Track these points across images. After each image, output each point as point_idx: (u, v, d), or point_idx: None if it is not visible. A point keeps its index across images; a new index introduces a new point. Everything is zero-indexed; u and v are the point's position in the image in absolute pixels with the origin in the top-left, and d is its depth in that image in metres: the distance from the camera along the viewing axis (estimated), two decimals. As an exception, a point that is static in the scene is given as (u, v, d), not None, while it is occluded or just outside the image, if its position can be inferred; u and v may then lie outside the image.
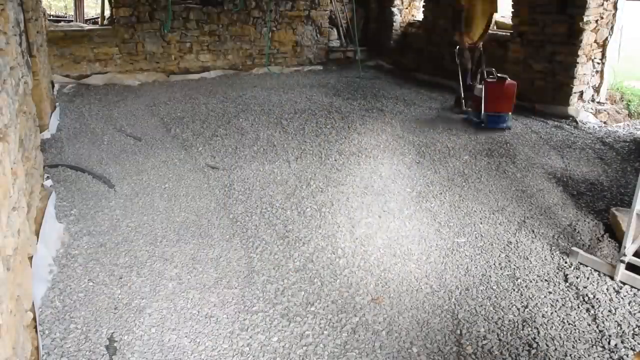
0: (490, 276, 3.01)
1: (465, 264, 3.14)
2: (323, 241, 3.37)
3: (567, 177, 4.54)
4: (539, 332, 2.53)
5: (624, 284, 2.92)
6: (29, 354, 2.14)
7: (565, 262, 3.17)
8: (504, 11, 8.22)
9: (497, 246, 3.36)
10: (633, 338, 2.49)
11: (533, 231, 3.56)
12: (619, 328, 2.56)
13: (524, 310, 2.70)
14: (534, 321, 2.61)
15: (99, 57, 8.18)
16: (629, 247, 2.94)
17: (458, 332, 2.53)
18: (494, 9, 6.42)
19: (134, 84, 8.03)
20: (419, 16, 9.62)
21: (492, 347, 2.43)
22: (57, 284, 2.78)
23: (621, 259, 2.93)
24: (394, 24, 9.83)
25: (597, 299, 2.79)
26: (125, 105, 6.67)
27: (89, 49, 8.08)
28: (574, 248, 3.22)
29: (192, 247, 3.24)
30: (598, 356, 2.38)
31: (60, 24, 10.23)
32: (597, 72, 6.38)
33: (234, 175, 4.45)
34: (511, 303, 2.76)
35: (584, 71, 6.25)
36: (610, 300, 2.79)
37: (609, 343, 2.45)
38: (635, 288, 2.88)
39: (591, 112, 6.34)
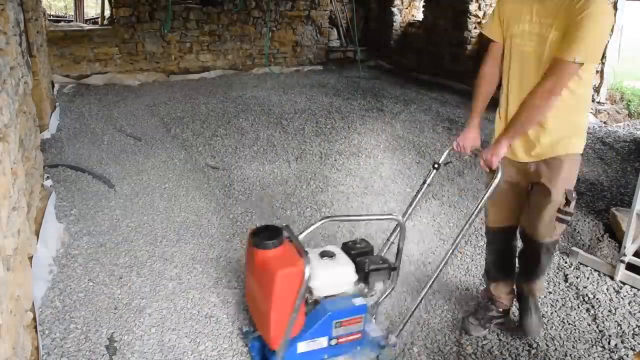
0: (490, 276, 3.01)
1: (465, 264, 3.14)
2: (323, 241, 3.37)
3: (567, 177, 4.53)
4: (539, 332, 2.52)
5: (624, 284, 2.92)
6: (29, 354, 2.14)
7: (565, 262, 3.17)
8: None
9: (497, 246, 3.36)
10: (633, 338, 2.49)
11: (533, 231, 3.56)
12: (619, 328, 2.56)
13: (524, 310, 2.69)
14: (534, 321, 2.61)
15: (99, 57, 8.19)
16: (629, 247, 2.94)
17: (458, 332, 2.53)
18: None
19: (134, 84, 8.04)
20: (419, 16, 9.62)
21: (492, 347, 2.43)
22: (57, 284, 2.78)
23: (621, 259, 2.93)
24: (394, 24, 9.83)
25: (597, 299, 2.79)
26: (125, 105, 6.67)
27: (89, 49, 8.09)
28: (574, 248, 3.22)
29: (192, 247, 3.24)
30: (598, 356, 2.38)
31: (60, 24, 10.24)
32: (596, 72, 6.38)
33: (234, 175, 4.45)
34: (511, 303, 2.76)
35: (584, 71, 6.24)
36: (610, 300, 2.79)
37: (609, 343, 2.45)
38: (635, 288, 2.88)
39: (591, 112, 6.34)
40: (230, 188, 4.18)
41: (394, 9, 9.76)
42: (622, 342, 2.46)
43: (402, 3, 9.82)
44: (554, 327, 2.56)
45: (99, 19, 10.62)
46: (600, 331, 2.54)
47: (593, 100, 6.48)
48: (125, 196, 3.96)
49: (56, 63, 7.81)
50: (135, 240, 3.30)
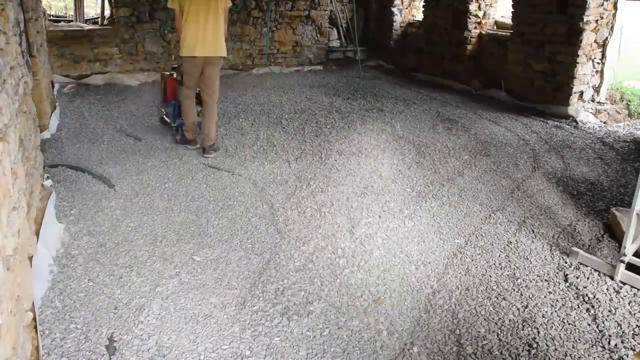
0: (490, 276, 3.01)
1: (465, 264, 3.14)
2: (323, 241, 3.37)
3: (567, 177, 4.54)
4: (539, 332, 2.53)
5: (624, 284, 2.92)
6: (29, 354, 2.14)
7: (565, 262, 3.17)
8: (504, 11, 8.24)
9: (497, 246, 3.36)
10: (633, 338, 2.49)
11: (533, 231, 3.56)
12: (619, 328, 2.56)
13: (524, 310, 2.70)
14: (534, 321, 2.61)
15: (99, 57, 8.18)
16: (629, 247, 2.94)
17: (458, 332, 2.53)
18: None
19: (134, 84, 8.04)
20: (419, 16, 9.62)
21: (492, 347, 2.43)
22: (57, 284, 2.78)
23: (621, 259, 2.93)
24: (394, 24, 9.83)
25: (597, 299, 2.79)
26: (125, 105, 6.67)
27: (89, 49, 8.08)
28: (574, 248, 3.22)
29: (192, 247, 3.24)
30: (598, 356, 2.38)
31: (60, 24, 10.23)
32: (597, 72, 6.38)
33: (234, 175, 4.45)
34: (511, 303, 2.76)
35: (584, 71, 6.25)
36: (610, 300, 2.79)
37: (609, 343, 2.45)
38: (635, 288, 2.88)
39: (591, 112, 6.34)
40: (230, 188, 4.18)
41: (394, 9, 9.76)
42: (622, 342, 2.46)
43: (402, 3, 9.82)
44: (554, 327, 2.56)
45: (99, 19, 10.62)
46: (600, 331, 2.54)
47: (593, 100, 6.49)
48: (125, 196, 3.95)
49: (56, 63, 7.81)
50: (135, 240, 3.30)
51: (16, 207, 2.29)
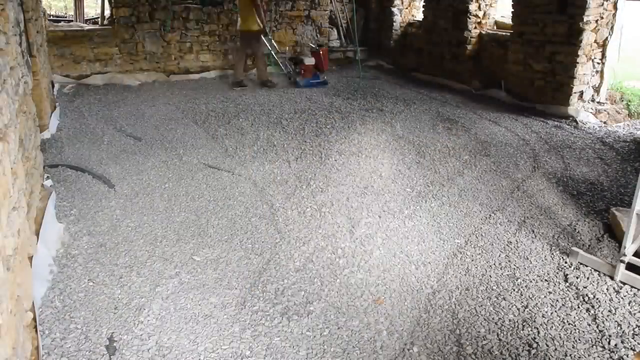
0: (490, 276, 3.01)
1: (465, 264, 3.14)
2: (323, 241, 3.37)
3: (567, 177, 4.54)
4: (539, 332, 2.53)
5: (624, 284, 2.92)
6: (29, 354, 2.14)
7: (565, 262, 3.17)
8: (504, 11, 8.24)
9: (497, 246, 3.36)
10: (633, 338, 2.49)
11: (533, 231, 3.56)
12: (619, 328, 2.56)
13: (524, 310, 2.70)
14: (534, 321, 2.61)
15: (99, 57, 8.18)
16: (629, 247, 2.94)
17: (458, 332, 2.53)
18: None
19: (134, 84, 8.04)
20: (419, 16, 9.62)
21: (492, 347, 2.43)
22: (57, 284, 2.78)
23: (621, 259, 2.93)
24: (394, 24, 9.83)
25: (597, 299, 2.79)
26: (125, 105, 6.67)
27: (89, 49, 8.09)
28: (574, 248, 3.22)
29: (192, 247, 3.24)
30: (598, 356, 2.38)
31: (60, 24, 10.24)
32: (597, 72, 6.38)
33: (234, 175, 4.45)
34: (511, 303, 2.76)
35: (584, 71, 6.25)
36: (610, 300, 2.79)
37: (609, 343, 2.45)
38: (635, 288, 2.88)
39: (591, 112, 6.34)
40: (230, 188, 4.18)
41: (394, 9, 9.76)
42: (622, 342, 2.46)
43: (402, 3, 9.82)
44: (554, 327, 2.56)
45: (99, 19, 10.62)
46: (600, 331, 2.54)
47: (593, 100, 6.49)
48: (125, 196, 3.96)
49: (56, 63, 7.81)
50: (135, 240, 3.30)
51: (16, 207, 2.29)
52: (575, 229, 3.60)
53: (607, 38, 6.24)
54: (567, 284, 2.95)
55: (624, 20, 6.40)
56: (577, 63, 6.15)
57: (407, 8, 9.90)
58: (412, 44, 9.43)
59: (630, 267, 2.93)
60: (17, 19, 3.91)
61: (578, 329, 2.56)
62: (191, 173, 4.46)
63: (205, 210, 3.76)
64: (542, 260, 3.19)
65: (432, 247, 3.34)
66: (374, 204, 3.94)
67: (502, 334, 2.51)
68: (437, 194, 4.15)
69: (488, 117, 6.44)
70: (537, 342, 2.45)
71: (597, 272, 3.04)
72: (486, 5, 7.82)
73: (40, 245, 2.90)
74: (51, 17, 12.26)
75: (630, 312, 2.69)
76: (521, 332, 2.53)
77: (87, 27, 9.05)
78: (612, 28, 6.22)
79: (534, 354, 2.38)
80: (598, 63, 6.34)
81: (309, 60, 8.16)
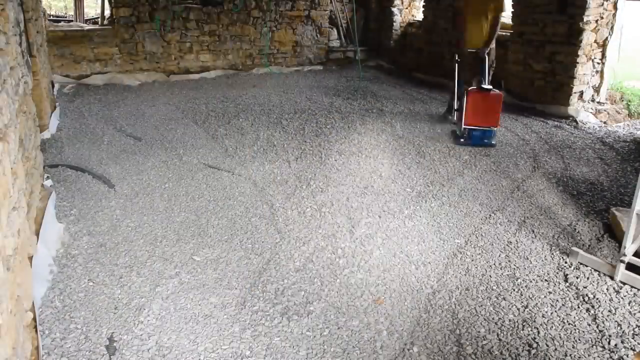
0: (490, 276, 3.01)
1: (465, 264, 3.14)
2: (323, 241, 3.37)
3: (567, 177, 4.54)
4: (539, 332, 2.53)
5: (624, 284, 2.92)
6: (29, 354, 2.14)
7: (565, 262, 3.16)
8: (504, 11, 8.22)
9: (497, 246, 3.36)
10: (633, 338, 2.49)
11: (533, 231, 3.56)
12: (619, 328, 2.56)
13: (524, 310, 2.70)
14: (534, 321, 2.61)
15: (99, 57, 8.18)
16: (629, 247, 2.94)
17: (458, 332, 2.53)
18: (498, 8, 5.60)
19: (134, 84, 8.04)
20: (419, 16, 9.62)
21: (492, 347, 2.43)
22: (57, 284, 2.78)
23: (621, 259, 2.93)
24: (394, 24, 9.83)
25: (597, 299, 2.79)
26: (125, 105, 6.67)
27: (89, 49, 8.09)
28: (574, 248, 3.22)
29: (192, 247, 3.24)
30: (598, 356, 2.38)
31: (60, 24, 10.24)
32: (597, 72, 6.38)
33: (234, 175, 4.45)
34: (511, 303, 2.76)
35: (584, 71, 6.25)
36: (610, 300, 2.79)
37: (609, 343, 2.45)
38: (635, 288, 2.88)
39: (591, 112, 6.34)
40: (230, 188, 4.18)
41: (394, 9, 9.76)
42: (622, 342, 2.46)
43: (402, 3, 9.82)
44: (554, 327, 2.56)
45: (99, 19, 10.62)
46: (600, 331, 2.54)
47: (593, 100, 6.49)
48: (125, 196, 3.95)
49: (56, 63, 7.81)
50: (135, 240, 3.30)
51: (16, 207, 2.29)
52: (575, 229, 3.59)
53: (607, 38, 6.24)
54: (567, 284, 2.95)
55: (624, 20, 6.40)
56: (577, 63, 6.15)
57: (407, 8, 9.90)
58: (412, 44, 9.42)
59: (630, 267, 2.93)
60: (17, 19, 3.91)
61: (578, 329, 2.56)
62: (191, 173, 4.46)
63: (205, 210, 3.76)
64: (542, 260, 3.19)
65: (432, 247, 3.34)
66: (374, 204, 3.94)
67: (502, 334, 2.51)
68: (437, 194, 4.15)
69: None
70: (537, 342, 2.45)
71: (597, 272, 3.04)
72: (486, 5, 7.80)
73: (40, 245, 2.90)
74: (51, 17, 12.26)
75: (630, 312, 2.69)
76: (521, 332, 2.53)
77: (87, 27, 9.05)
78: (612, 28, 6.22)
79: (534, 354, 2.38)
80: (598, 63, 6.34)
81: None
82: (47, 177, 4.06)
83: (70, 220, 3.52)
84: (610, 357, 2.37)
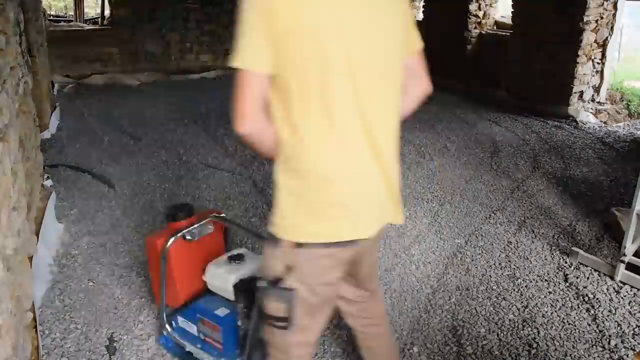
0: (490, 276, 3.01)
1: (465, 264, 3.14)
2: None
3: (567, 177, 4.54)
4: (539, 332, 2.53)
5: (624, 284, 2.92)
6: (29, 354, 2.14)
7: (565, 262, 3.16)
8: (504, 11, 8.24)
9: (497, 246, 3.36)
10: (633, 338, 2.49)
11: (533, 231, 3.56)
12: (619, 328, 2.56)
13: (524, 310, 2.69)
14: (534, 321, 2.61)
15: (99, 57, 8.19)
16: (629, 247, 2.94)
17: (458, 332, 2.53)
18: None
19: (134, 84, 8.04)
20: (419, 16, 9.62)
21: (492, 347, 2.43)
22: (57, 284, 2.78)
23: (621, 259, 2.93)
24: (394, 24, 9.82)
25: (597, 299, 2.79)
26: (125, 105, 6.67)
27: (89, 49, 8.09)
28: (574, 248, 3.22)
29: (192, 247, 3.24)
30: (598, 356, 2.38)
31: (60, 24, 10.25)
32: (597, 72, 6.38)
33: (234, 175, 4.45)
34: (511, 303, 2.76)
35: (584, 71, 6.25)
36: (610, 300, 2.79)
37: (609, 343, 2.45)
38: (635, 288, 2.88)
39: (591, 112, 6.34)
40: (230, 188, 4.18)
41: (394, 9, 9.75)
42: (622, 342, 2.46)
43: (402, 3, 9.81)
44: (554, 327, 2.56)
45: (99, 19, 10.62)
46: (600, 331, 2.54)
47: (593, 100, 6.48)
48: (125, 196, 3.95)
49: (56, 63, 7.80)
50: (135, 240, 3.30)
51: (16, 207, 2.29)
52: (575, 229, 3.60)
53: (607, 38, 6.24)
54: (567, 284, 2.95)
55: (624, 20, 6.40)
56: (577, 63, 6.15)
57: (407, 8, 9.89)
58: (412, 44, 9.41)
59: (630, 267, 2.93)
60: (17, 19, 3.91)
61: (578, 329, 2.56)
62: (191, 173, 4.46)
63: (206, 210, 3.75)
64: (542, 260, 3.19)
65: (432, 247, 3.34)
66: (374, 204, 3.93)
67: (502, 334, 2.51)
68: (437, 194, 4.15)
69: (488, 117, 6.45)
70: (537, 342, 2.45)
71: (597, 272, 3.04)
72: (486, 5, 7.82)
73: (40, 245, 2.90)
74: (51, 17, 12.27)
75: (630, 312, 2.69)
76: (521, 332, 2.53)
77: (87, 27, 9.06)
78: (612, 28, 6.22)
79: (534, 354, 2.38)
80: (598, 63, 6.34)
81: None
82: (47, 177, 4.06)
83: (70, 220, 3.52)
84: (610, 357, 2.37)
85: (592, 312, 2.69)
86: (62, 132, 5.46)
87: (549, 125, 6.10)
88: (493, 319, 2.63)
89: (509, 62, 7.13)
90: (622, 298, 2.81)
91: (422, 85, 1.54)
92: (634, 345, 2.44)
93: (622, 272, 2.94)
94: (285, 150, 1.27)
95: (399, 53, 1.31)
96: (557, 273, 3.06)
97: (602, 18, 6.11)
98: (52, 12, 15.00)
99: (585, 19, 5.96)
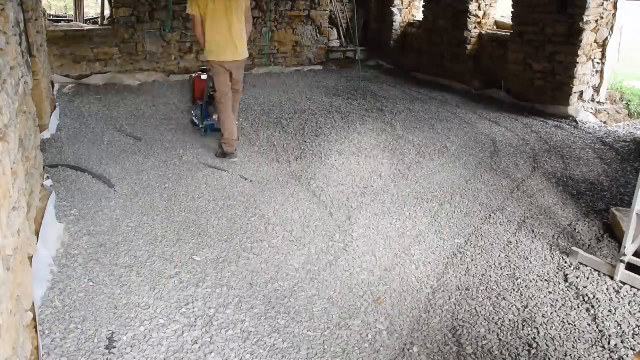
0: (490, 276, 3.01)
1: (465, 264, 3.14)
2: (323, 241, 3.37)
3: (567, 177, 4.54)
4: (539, 332, 2.53)
5: (624, 284, 2.92)
6: (29, 354, 2.14)
7: (565, 262, 3.17)
8: (504, 11, 8.24)
9: (497, 246, 3.36)
10: (633, 338, 2.49)
11: (533, 231, 3.56)
12: (619, 328, 2.56)
13: (524, 310, 2.70)
14: (534, 321, 2.61)
15: (99, 57, 8.18)
16: (629, 247, 2.94)
17: (458, 332, 2.53)
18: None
19: (134, 84, 8.03)
20: (419, 16, 9.63)
21: (492, 347, 2.43)
22: (57, 284, 2.78)
23: (621, 259, 2.93)
24: (394, 24, 9.83)
25: (597, 299, 2.79)
26: (125, 105, 6.67)
27: (89, 49, 8.08)
28: (574, 248, 3.22)
29: (192, 247, 3.24)
30: (598, 356, 2.38)
31: (60, 24, 10.23)
32: (597, 72, 6.38)
33: (234, 175, 4.45)
34: (511, 303, 2.76)
35: (584, 71, 6.25)
36: (610, 300, 2.79)
37: (609, 343, 2.45)
38: (635, 288, 2.88)
39: (591, 112, 6.34)
40: (230, 188, 4.18)
41: (394, 9, 9.76)
42: (622, 342, 2.46)
43: (402, 3, 9.82)
44: (554, 327, 2.56)
45: (99, 19, 10.62)
46: (600, 331, 2.54)
47: (593, 100, 6.49)
48: (125, 196, 3.95)
49: (56, 63, 7.81)
50: (135, 240, 3.30)
51: (16, 207, 2.29)
52: (575, 229, 3.60)
53: (607, 38, 6.24)
54: (567, 284, 2.95)
55: (624, 20, 6.40)
56: (577, 63, 6.15)
57: (407, 8, 9.90)
58: (412, 44, 9.43)
59: (630, 267, 2.93)
60: (17, 19, 3.91)
61: (578, 329, 2.56)
62: (191, 173, 4.46)
63: (205, 210, 3.76)
64: (542, 260, 3.19)
65: (432, 247, 3.34)
66: (374, 204, 3.94)
67: (502, 334, 2.51)
68: (436, 193, 4.15)
69: (488, 117, 6.45)
70: (537, 342, 2.45)
71: (597, 272, 3.04)
72: (486, 5, 7.82)
73: (40, 245, 2.90)
74: (51, 17, 12.26)
75: (630, 312, 2.69)
76: (521, 332, 2.53)
77: (87, 27, 9.05)
78: (612, 28, 6.22)
79: (534, 354, 2.39)
80: (598, 63, 6.34)
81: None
82: (47, 177, 4.06)
83: (70, 220, 3.52)
84: (610, 357, 2.37)
85: (592, 312, 2.69)
86: (62, 132, 5.46)
87: (549, 125, 6.10)
88: (493, 319, 2.63)
89: (509, 62, 7.13)
90: (622, 298, 2.81)
91: (250, 21, 4.76)
92: (634, 345, 2.44)
93: (622, 272, 2.94)
94: (206, 39, 4.52)
95: (239, 8, 4.55)
96: (557, 273, 3.06)
97: (602, 18, 6.11)
98: (52, 12, 14.99)
99: (585, 19, 5.96)
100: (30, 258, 2.66)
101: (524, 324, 2.59)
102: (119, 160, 4.69)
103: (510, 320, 2.62)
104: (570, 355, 2.39)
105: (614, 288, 2.90)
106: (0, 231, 1.87)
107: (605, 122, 6.24)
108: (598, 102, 6.51)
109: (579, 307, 2.73)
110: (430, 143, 5.35)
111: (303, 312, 2.64)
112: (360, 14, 10.32)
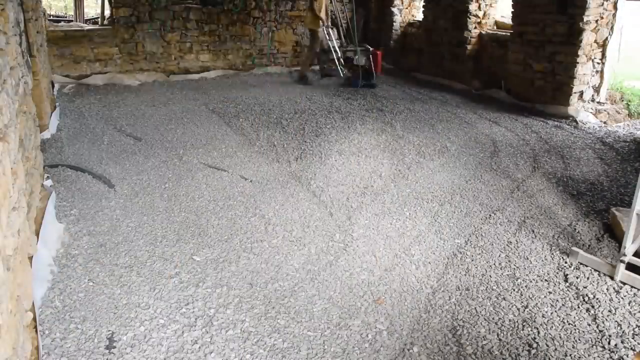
0: (490, 276, 3.01)
1: (465, 264, 3.14)
2: (323, 241, 3.37)
3: (567, 177, 4.54)
4: (539, 332, 2.53)
5: (624, 284, 2.92)
6: (29, 354, 2.14)
7: (565, 262, 3.17)
8: (504, 11, 8.24)
9: (497, 246, 3.36)
10: (633, 338, 2.49)
11: (533, 231, 3.56)
12: (619, 328, 2.56)
13: (524, 310, 2.70)
14: (534, 321, 2.61)
15: (99, 57, 8.18)
16: (629, 247, 2.94)
17: (458, 332, 2.53)
18: None
19: (134, 84, 8.04)
20: (419, 16, 9.63)
21: (492, 347, 2.43)
22: (57, 284, 2.78)
23: (621, 259, 2.93)
24: (394, 24, 9.84)
25: (597, 299, 2.79)
26: (125, 105, 6.67)
27: (89, 49, 8.09)
28: (574, 248, 3.22)
29: (192, 247, 3.24)
30: (598, 356, 2.38)
31: (60, 24, 10.23)
32: (597, 72, 6.38)
33: (233, 175, 4.45)
34: (511, 303, 2.76)
35: (584, 71, 6.25)
36: (610, 300, 2.79)
37: (609, 343, 2.45)
38: (635, 288, 2.88)
39: (591, 112, 6.34)
40: (230, 188, 4.18)
41: (394, 9, 9.76)
42: (622, 342, 2.46)
43: (402, 3, 9.82)
44: (554, 327, 2.56)
45: (99, 19, 10.62)
46: (600, 331, 2.54)
47: (593, 100, 6.49)
48: (125, 196, 3.95)
49: (56, 63, 7.81)
50: (135, 240, 3.30)
51: (16, 207, 2.29)
52: (575, 229, 3.60)
53: (607, 38, 6.24)
54: (567, 284, 2.95)
55: (624, 20, 6.40)
56: (577, 63, 6.16)
57: (407, 8, 9.90)
58: (412, 44, 9.43)
59: (630, 267, 2.93)
60: (17, 19, 3.91)
61: (578, 329, 2.56)
62: (191, 173, 4.46)
63: (205, 210, 3.76)
64: (542, 260, 3.19)
65: (432, 247, 3.34)
66: (374, 204, 3.94)
67: (502, 334, 2.51)
68: (436, 193, 4.15)
69: (488, 117, 6.45)
70: (537, 342, 2.45)
71: (597, 272, 3.04)
72: (486, 5, 7.83)
73: (40, 245, 2.90)
74: (51, 17, 12.26)
75: (630, 312, 2.69)
76: (521, 332, 2.53)
77: (87, 27, 9.05)
78: (612, 28, 6.22)
79: (534, 354, 2.38)
80: (598, 63, 6.34)
81: (359, 61, 8.16)
82: (47, 177, 4.06)
83: (70, 220, 3.52)
84: (610, 357, 2.37)
85: (592, 312, 2.69)
86: (62, 132, 5.46)
87: (549, 125, 6.10)
88: (493, 319, 2.63)
89: (509, 62, 7.13)
90: (622, 298, 2.81)
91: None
92: (634, 345, 2.44)
93: (622, 272, 2.94)
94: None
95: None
96: (557, 273, 3.06)
97: (602, 18, 6.11)
98: (52, 12, 15.00)
99: (585, 19, 5.97)
100: (30, 258, 2.66)
101: (524, 324, 2.59)
102: (119, 160, 4.69)
103: (510, 320, 2.62)
104: (570, 355, 2.39)
105: (614, 288, 2.90)
106: (0, 231, 1.87)
107: (605, 122, 6.24)
108: (598, 102, 6.51)
109: (579, 307, 2.73)
110: (430, 143, 5.35)
111: (303, 312, 2.64)
112: (360, 14, 10.32)
